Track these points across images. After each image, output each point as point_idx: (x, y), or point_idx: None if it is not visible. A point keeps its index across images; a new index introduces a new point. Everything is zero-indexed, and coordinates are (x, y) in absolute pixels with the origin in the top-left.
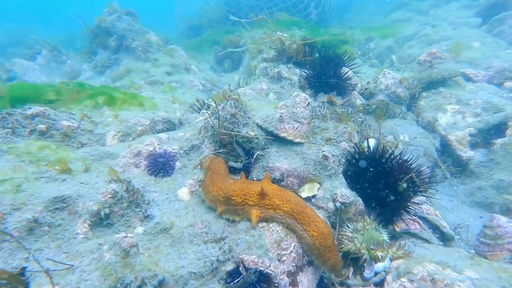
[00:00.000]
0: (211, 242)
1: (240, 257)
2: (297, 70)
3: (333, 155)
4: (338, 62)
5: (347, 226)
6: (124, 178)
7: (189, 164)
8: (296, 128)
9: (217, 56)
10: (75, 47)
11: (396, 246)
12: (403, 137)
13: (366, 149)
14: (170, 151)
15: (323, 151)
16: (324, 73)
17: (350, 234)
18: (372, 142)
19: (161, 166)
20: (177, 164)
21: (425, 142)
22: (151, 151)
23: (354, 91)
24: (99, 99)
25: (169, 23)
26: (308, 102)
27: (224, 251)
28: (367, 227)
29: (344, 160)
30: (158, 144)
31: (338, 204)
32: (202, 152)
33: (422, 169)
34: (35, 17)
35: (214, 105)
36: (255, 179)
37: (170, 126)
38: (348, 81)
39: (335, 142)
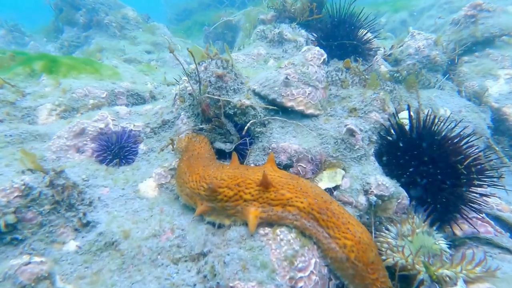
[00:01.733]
0: (185, 261)
1: (230, 285)
2: (303, 32)
3: (361, 130)
4: (353, 23)
5: (388, 230)
6: (54, 167)
7: (158, 147)
8: (308, 94)
9: (207, 37)
10: (38, 26)
11: (463, 259)
12: (444, 111)
13: (407, 122)
14: (131, 130)
15: (347, 125)
16: (337, 35)
17: (393, 241)
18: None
19: (116, 150)
20: (141, 147)
21: (473, 117)
22: (101, 129)
23: (377, 56)
24: (36, 65)
25: (156, 12)
26: (324, 59)
27: (205, 276)
28: (417, 231)
29: (376, 137)
30: (113, 120)
31: (372, 198)
32: (177, 130)
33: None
34: None
35: (194, 66)
36: (252, 164)
37: (138, 100)
38: (368, 44)
39: (362, 113)
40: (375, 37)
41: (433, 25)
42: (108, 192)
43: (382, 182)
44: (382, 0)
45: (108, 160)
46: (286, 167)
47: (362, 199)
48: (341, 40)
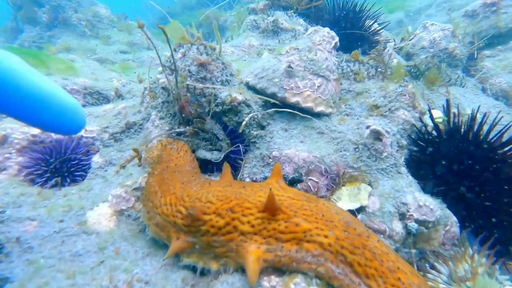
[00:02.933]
0: None
1: None
2: (302, 21)
3: (387, 132)
4: (358, 12)
5: (436, 269)
6: None
7: (120, 160)
8: (318, 87)
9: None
10: None
11: None
12: (472, 112)
13: (445, 122)
14: (81, 136)
15: (370, 126)
16: (341, 25)
17: (444, 286)
18: (438, 114)
19: (57, 164)
20: (95, 159)
21: (506, 119)
22: (34, 136)
23: (388, 49)
24: None
25: (136, 16)
26: (336, 43)
27: None
28: (479, 272)
29: (405, 142)
30: None
31: (412, 224)
32: (147, 136)
33: None
34: None
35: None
36: (247, 180)
37: (100, 101)
38: (376, 36)
39: (386, 111)
40: (382, 28)
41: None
42: (36, 228)
43: (424, 203)
44: (375, 0)
45: (43, 179)
46: (292, 182)
47: (398, 226)
48: (345, 30)
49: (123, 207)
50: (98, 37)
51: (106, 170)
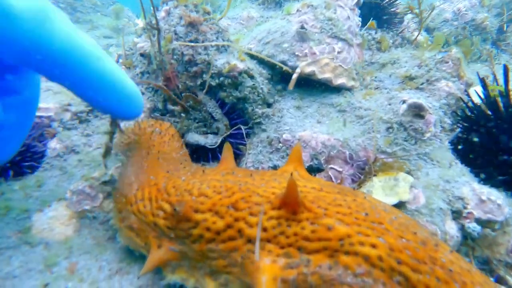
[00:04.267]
0: None
1: None
2: None
3: (429, 108)
4: None
5: (508, 283)
6: None
7: (85, 147)
8: (339, 53)
9: None
10: None
11: None
12: None
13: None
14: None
15: (405, 100)
16: None
17: None
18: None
19: None
20: (52, 145)
21: None
22: None
23: (408, 21)
24: None
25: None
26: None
27: None
28: None
29: (449, 120)
30: None
31: (473, 225)
32: None
33: None
34: None
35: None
36: (251, 167)
37: None
38: (393, 8)
39: (424, 82)
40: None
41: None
42: None
43: (488, 197)
44: None
45: None
46: (309, 172)
47: (451, 228)
48: None
49: (87, 207)
50: (79, 22)
51: (65, 160)
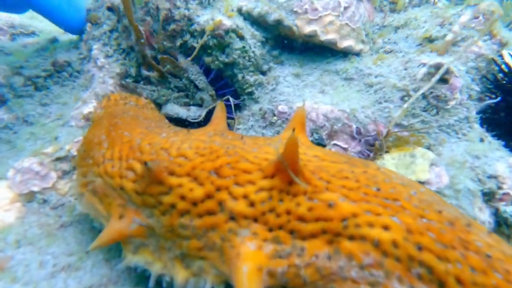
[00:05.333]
0: None
1: None
2: None
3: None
4: None
5: None
6: None
7: (41, 117)
8: (345, 9)
9: None
10: None
11: None
12: None
13: None
14: None
15: (424, 62)
16: None
17: None
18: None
19: None
20: (0, 114)
21: None
22: None
23: None
24: None
25: None
26: None
27: None
28: None
29: (478, 87)
30: None
31: (508, 209)
32: (87, 82)
33: None
34: None
35: None
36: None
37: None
38: None
39: (447, 44)
40: None
41: None
42: None
43: None
44: None
45: None
46: None
47: (482, 212)
48: None
49: (35, 188)
50: None
51: (15, 132)
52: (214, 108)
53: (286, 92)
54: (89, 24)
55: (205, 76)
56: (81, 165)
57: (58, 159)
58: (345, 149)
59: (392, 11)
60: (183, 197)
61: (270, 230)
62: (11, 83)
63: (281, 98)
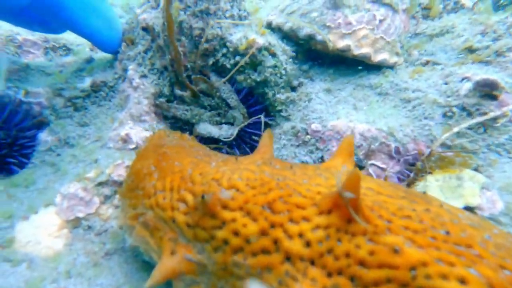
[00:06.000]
0: None
1: None
2: None
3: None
4: None
5: None
6: None
7: (80, 139)
8: (380, 22)
9: None
10: None
11: None
12: None
13: None
14: (21, 100)
15: (467, 76)
16: None
17: None
18: None
19: None
20: (43, 137)
21: None
22: None
23: None
24: None
25: None
26: None
27: None
28: None
29: None
30: None
31: None
32: (123, 102)
33: None
34: None
35: None
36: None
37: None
38: None
39: (491, 54)
40: None
41: None
42: None
43: None
44: None
45: None
46: None
47: None
48: None
49: (80, 214)
50: None
51: (58, 154)
52: (247, 125)
53: (319, 110)
54: (124, 44)
55: (236, 94)
56: (130, 196)
57: (100, 184)
58: (383, 169)
59: (425, 17)
60: (236, 233)
61: (329, 275)
62: (53, 104)
63: (314, 116)
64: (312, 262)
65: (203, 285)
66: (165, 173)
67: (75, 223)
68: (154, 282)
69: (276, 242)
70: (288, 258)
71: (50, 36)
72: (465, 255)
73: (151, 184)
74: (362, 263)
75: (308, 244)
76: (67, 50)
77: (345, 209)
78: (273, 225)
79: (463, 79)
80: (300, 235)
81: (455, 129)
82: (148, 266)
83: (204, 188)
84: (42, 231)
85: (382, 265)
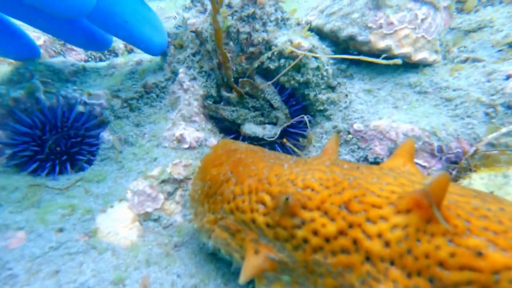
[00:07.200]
0: None
1: None
2: None
3: None
4: None
5: None
6: None
7: (138, 138)
8: (422, 21)
9: None
10: None
11: None
12: None
13: None
14: (85, 102)
15: (510, 73)
16: None
17: None
18: None
19: (53, 142)
20: (106, 136)
21: None
22: (17, 100)
23: None
24: None
25: None
26: None
27: None
28: None
29: None
30: (45, 83)
31: None
32: (174, 102)
33: None
34: None
35: None
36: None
37: (106, 55)
38: None
39: None
40: None
41: None
42: (23, 241)
43: None
44: None
45: (35, 164)
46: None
47: None
48: None
49: (149, 209)
50: None
51: (120, 152)
52: (289, 125)
53: (360, 110)
54: (172, 47)
55: (279, 96)
56: (208, 202)
57: (163, 181)
58: (424, 167)
59: (460, 11)
60: (315, 232)
61: (408, 275)
62: (112, 105)
63: (355, 115)
64: (392, 263)
65: (285, 282)
66: (243, 177)
67: (145, 217)
68: (246, 279)
69: (355, 242)
70: (368, 258)
71: None
72: None
73: (229, 190)
74: (442, 265)
75: (387, 244)
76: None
77: (425, 209)
78: (351, 225)
79: (508, 77)
80: (379, 235)
81: (504, 130)
82: (213, 258)
83: (281, 188)
84: (118, 224)
85: (463, 267)
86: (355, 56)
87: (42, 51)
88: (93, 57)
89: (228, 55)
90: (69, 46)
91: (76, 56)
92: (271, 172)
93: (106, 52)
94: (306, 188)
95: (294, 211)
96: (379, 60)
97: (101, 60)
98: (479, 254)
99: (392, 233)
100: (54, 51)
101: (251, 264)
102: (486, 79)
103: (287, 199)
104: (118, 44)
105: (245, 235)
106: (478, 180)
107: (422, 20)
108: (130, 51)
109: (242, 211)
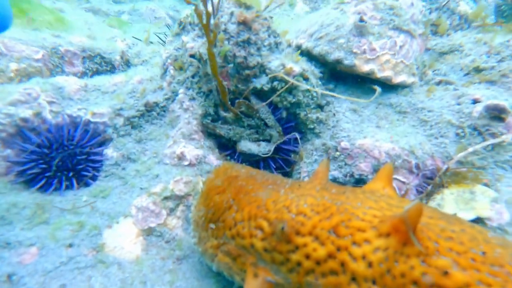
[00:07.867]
0: None
1: None
2: None
3: None
4: None
5: None
6: None
7: (140, 155)
8: (400, 47)
9: None
10: None
11: None
12: None
13: None
14: (89, 121)
15: (477, 98)
16: None
17: None
18: None
19: (59, 159)
20: (109, 153)
21: None
22: (25, 120)
23: None
24: None
25: None
26: None
27: None
28: None
29: None
30: (51, 102)
31: None
32: (173, 120)
33: None
34: None
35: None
36: (306, 178)
37: (102, 67)
38: None
39: (497, 74)
40: None
41: None
42: (35, 257)
43: None
44: None
45: (43, 181)
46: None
47: None
48: None
49: (153, 224)
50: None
51: (124, 169)
52: (282, 142)
53: (347, 128)
54: (172, 68)
55: (273, 115)
56: (214, 228)
57: (165, 198)
58: (404, 182)
59: (434, 33)
60: (307, 256)
61: None
62: (114, 123)
63: (343, 134)
64: (374, 282)
65: None
66: (243, 204)
67: (148, 232)
68: None
69: (343, 264)
70: (353, 278)
71: (86, 45)
72: (499, 275)
73: (231, 217)
74: (416, 283)
75: (370, 264)
76: (101, 58)
77: (402, 233)
78: (339, 248)
79: (474, 101)
80: (363, 256)
81: (471, 149)
82: (214, 273)
83: (277, 215)
84: (123, 239)
85: (433, 285)
86: (342, 96)
87: (40, 65)
88: (89, 70)
89: (224, 83)
90: (66, 59)
91: (73, 69)
92: (269, 198)
93: (102, 62)
94: (299, 214)
95: (289, 238)
96: (361, 100)
97: (98, 71)
98: (445, 273)
99: (375, 255)
100: (53, 64)
101: (251, 287)
102: (456, 101)
103: (282, 228)
104: (114, 55)
105: (245, 259)
106: (449, 195)
107: (401, 46)
108: (126, 62)
109: (242, 237)
